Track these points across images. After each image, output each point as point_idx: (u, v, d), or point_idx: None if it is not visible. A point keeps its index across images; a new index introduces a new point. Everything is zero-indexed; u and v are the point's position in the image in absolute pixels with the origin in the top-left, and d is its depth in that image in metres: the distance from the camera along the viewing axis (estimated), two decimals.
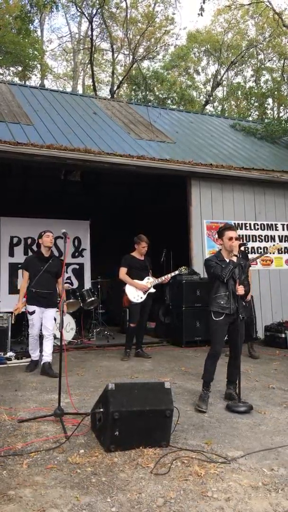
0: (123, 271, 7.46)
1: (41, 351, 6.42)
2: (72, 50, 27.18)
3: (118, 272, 7.51)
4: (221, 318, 4.90)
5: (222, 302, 4.91)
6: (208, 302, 5.08)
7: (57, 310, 6.42)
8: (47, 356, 6.27)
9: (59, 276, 6.37)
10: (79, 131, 10.18)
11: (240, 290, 4.86)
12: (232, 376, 5.06)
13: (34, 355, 6.45)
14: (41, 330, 6.38)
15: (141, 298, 7.40)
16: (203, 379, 4.98)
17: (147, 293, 7.42)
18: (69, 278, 9.97)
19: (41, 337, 6.42)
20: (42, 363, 6.28)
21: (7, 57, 21.58)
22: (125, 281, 7.44)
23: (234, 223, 9.69)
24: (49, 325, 6.34)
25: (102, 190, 12.75)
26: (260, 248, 9.96)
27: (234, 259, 4.94)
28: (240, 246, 5.02)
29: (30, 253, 10.12)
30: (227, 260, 4.98)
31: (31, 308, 6.30)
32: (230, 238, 5.01)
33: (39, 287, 6.27)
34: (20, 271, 9.15)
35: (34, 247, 10.23)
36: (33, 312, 6.29)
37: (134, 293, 7.40)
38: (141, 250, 7.59)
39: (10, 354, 7.23)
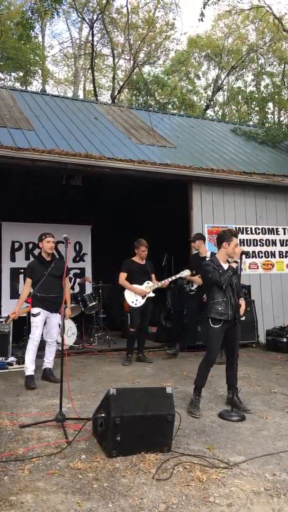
0: (122, 276, 7.46)
1: (41, 356, 6.32)
2: (73, 55, 27.28)
3: (118, 277, 7.51)
4: (219, 325, 4.86)
5: (220, 309, 4.87)
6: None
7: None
8: (49, 363, 6.24)
9: (64, 278, 6.34)
10: (80, 136, 10.21)
11: (242, 308, 4.96)
12: (232, 380, 5.01)
13: (30, 369, 5.92)
14: (42, 336, 6.30)
15: (140, 302, 7.38)
16: (195, 384, 4.96)
17: (145, 297, 7.41)
18: (71, 280, 9.96)
19: (40, 343, 6.33)
20: (43, 368, 6.24)
21: (8, 62, 21.68)
22: (124, 286, 7.44)
23: (235, 228, 9.70)
24: (54, 331, 6.25)
25: (103, 193, 12.77)
26: (262, 253, 9.97)
27: (234, 265, 4.93)
28: (241, 254, 4.96)
29: (31, 258, 10.13)
30: (224, 266, 4.95)
31: (35, 310, 6.10)
32: (236, 245, 5.03)
33: (43, 291, 6.11)
34: (21, 276, 9.19)
35: (36, 252, 10.26)
36: (37, 314, 6.08)
37: (133, 297, 7.41)
38: (141, 254, 7.57)
39: (11, 359, 7.23)
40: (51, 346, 6.29)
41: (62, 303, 4.91)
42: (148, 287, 7.45)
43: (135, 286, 7.41)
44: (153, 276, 7.65)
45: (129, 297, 7.43)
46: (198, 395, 4.89)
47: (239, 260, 4.94)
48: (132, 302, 7.39)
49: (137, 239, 7.71)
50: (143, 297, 7.40)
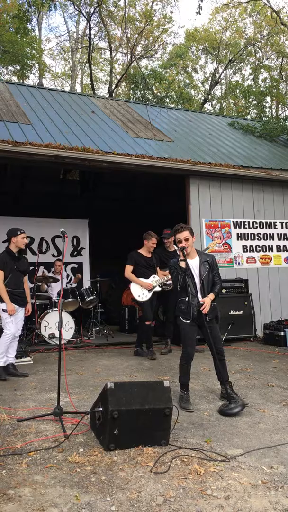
0: (128, 269, 7.36)
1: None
2: (70, 49, 27.15)
3: (124, 270, 7.41)
4: (187, 321, 4.86)
5: (182, 307, 4.89)
6: None
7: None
8: (12, 358, 6.15)
9: (26, 274, 6.35)
10: (77, 130, 10.17)
11: (206, 307, 4.76)
12: (223, 376, 4.99)
13: (2, 360, 5.98)
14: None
15: (146, 296, 7.29)
16: (179, 381, 4.95)
17: (152, 291, 7.36)
18: (68, 277, 9.97)
19: None
20: (6, 363, 6.08)
21: (5, 56, 21.56)
22: (130, 279, 7.34)
23: (233, 222, 9.72)
24: (20, 326, 6.28)
25: (101, 188, 12.75)
26: (259, 247, 9.98)
27: (183, 264, 4.78)
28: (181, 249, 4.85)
29: (28, 252, 10.12)
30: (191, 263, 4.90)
31: (10, 306, 6.02)
32: (179, 241, 4.93)
33: (13, 286, 6.07)
34: None
35: (33, 247, 10.25)
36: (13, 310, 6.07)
37: (139, 291, 7.31)
38: (150, 246, 7.46)
39: None
40: (15, 340, 6.20)
41: (60, 297, 4.88)
42: (155, 281, 7.39)
43: (142, 279, 7.33)
44: (158, 269, 7.58)
45: (135, 291, 7.33)
46: (186, 390, 4.89)
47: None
48: (138, 296, 7.30)
49: (147, 232, 7.62)
50: (149, 290, 7.31)
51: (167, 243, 7.93)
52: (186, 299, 4.85)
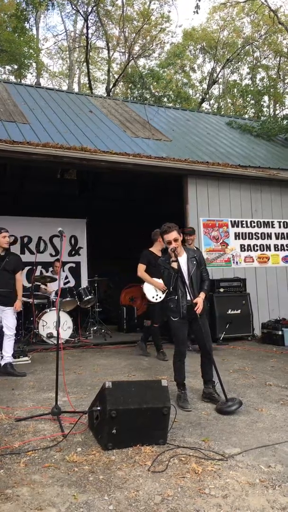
0: (142, 268, 7.06)
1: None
2: (68, 48, 27.12)
3: (137, 269, 7.14)
4: (177, 319, 4.86)
5: (172, 306, 4.89)
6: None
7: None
8: (9, 357, 6.16)
9: (17, 272, 6.32)
10: (75, 130, 10.16)
11: (200, 307, 4.72)
12: (207, 375, 4.97)
13: None
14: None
15: (160, 297, 6.97)
16: (175, 380, 4.94)
17: (166, 292, 7.11)
18: (66, 277, 9.96)
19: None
20: (3, 364, 6.12)
21: (2, 55, 21.55)
22: (143, 278, 7.05)
23: (231, 221, 9.73)
24: (11, 324, 6.20)
25: (99, 188, 12.73)
26: (257, 246, 9.98)
27: (174, 265, 4.73)
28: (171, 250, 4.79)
29: (26, 252, 10.13)
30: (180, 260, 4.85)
31: None
32: (169, 242, 4.83)
33: None
34: None
35: (31, 246, 10.24)
36: None
37: (153, 292, 7.01)
38: (162, 245, 7.07)
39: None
40: (10, 339, 6.20)
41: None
42: None
43: (156, 280, 6.92)
44: None
45: (149, 292, 7.01)
46: (183, 389, 4.88)
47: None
48: (153, 297, 6.99)
49: (155, 230, 7.23)
50: (163, 291, 6.87)
51: (190, 241, 7.72)
52: (176, 298, 4.85)
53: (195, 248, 6.66)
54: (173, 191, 10.47)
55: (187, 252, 5.00)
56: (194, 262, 4.93)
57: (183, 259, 4.91)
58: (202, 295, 4.87)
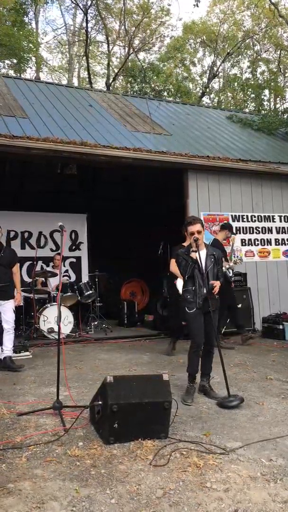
0: (174, 263, 6.80)
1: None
2: (67, 42, 26.98)
3: (169, 264, 7.10)
4: (193, 310, 4.89)
5: (189, 297, 4.92)
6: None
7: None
8: (9, 351, 6.15)
9: (13, 266, 6.29)
10: (75, 124, 10.12)
11: (217, 288, 4.84)
12: (206, 368, 5.02)
13: None
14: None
15: None
16: (188, 371, 4.96)
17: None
18: (66, 271, 9.95)
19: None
20: (3, 357, 6.12)
21: (1, 49, 21.41)
22: (175, 274, 6.83)
23: (231, 215, 9.70)
24: (9, 318, 6.18)
25: (99, 184, 12.69)
26: (258, 240, 9.97)
27: (194, 255, 4.85)
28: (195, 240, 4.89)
29: (27, 247, 10.13)
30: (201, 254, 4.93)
31: None
32: (192, 233, 4.95)
33: None
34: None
35: (32, 241, 10.23)
36: None
37: None
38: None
39: None
40: (9, 333, 6.18)
41: (59, 292, 4.86)
42: None
43: None
44: None
45: (181, 287, 7.04)
46: (192, 382, 4.90)
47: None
48: None
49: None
50: None
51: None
52: (193, 289, 4.90)
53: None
54: (174, 191, 10.42)
55: (207, 249, 5.07)
56: (212, 260, 5.00)
57: (203, 253, 4.97)
58: (217, 282, 4.96)
